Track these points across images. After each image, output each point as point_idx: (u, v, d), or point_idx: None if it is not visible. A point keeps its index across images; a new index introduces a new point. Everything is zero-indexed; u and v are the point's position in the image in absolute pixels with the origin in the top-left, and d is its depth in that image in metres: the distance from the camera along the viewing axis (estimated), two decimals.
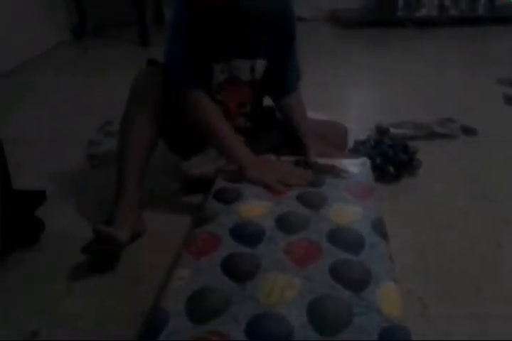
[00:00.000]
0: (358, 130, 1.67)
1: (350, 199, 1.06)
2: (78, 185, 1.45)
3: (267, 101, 1.43)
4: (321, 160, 1.23)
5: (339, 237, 0.92)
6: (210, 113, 1.20)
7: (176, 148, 1.41)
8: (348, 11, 3.83)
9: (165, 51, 1.23)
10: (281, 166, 1.19)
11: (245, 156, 1.18)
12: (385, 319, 0.74)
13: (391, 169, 1.39)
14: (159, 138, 1.25)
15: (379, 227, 0.96)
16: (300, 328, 0.73)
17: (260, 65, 1.31)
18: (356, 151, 1.49)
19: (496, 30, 3.51)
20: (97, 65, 2.90)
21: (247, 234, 0.94)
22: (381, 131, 1.70)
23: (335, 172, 1.18)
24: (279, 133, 1.43)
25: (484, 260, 1.07)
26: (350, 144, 1.52)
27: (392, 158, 1.42)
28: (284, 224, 0.97)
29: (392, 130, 1.69)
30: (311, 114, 1.46)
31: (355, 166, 1.21)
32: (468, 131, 1.71)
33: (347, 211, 1.02)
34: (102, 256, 1.08)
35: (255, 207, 1.04)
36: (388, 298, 0.78)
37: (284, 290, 0.80)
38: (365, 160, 1.26)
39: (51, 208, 1.22)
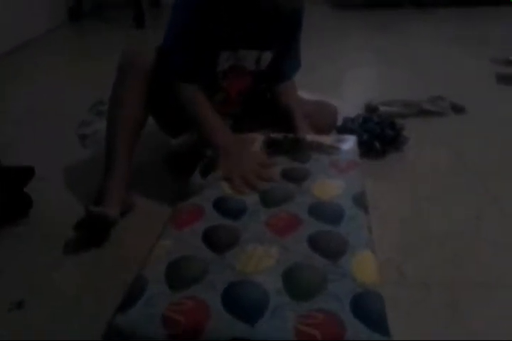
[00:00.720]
0: (350, 108, 1.68)
1: (334, 173, 1.07)
2: (68, 163, 1.47)
3: None
4: (310, 137, 1.25)
5: (319, 209, 0.94)
6: (199, 104, 1.20)
7: (165, 127, 1.42)
8: None
9: (166, 37, 1.22)
10: (252, 161, 1.13)
11: (223, 143, 1.16)
12: (359, 285, 0.75)
13: (377, 145, 1.41)
14: (148, 115, 1.26)
15: (360, 200, 0.97)
16: (275, 294, 0.74)
17: (266, 56, 1.32)
18: (345, 128, 1.50)
19: (494, 11, 3.49)
20: (92, 46, 2.90)
21: (230, 208, 0.96)
22: (371, 109, 1.71)
23: (323, 148, 1.19)
24: (270, 112, 1.45)
25: (462, 231, 1.08)
26: (340, 122, 1.53)
27: (378, 135, 1.43)
28: (267, 198, 0.98)
29: (381, 108, 1.70)
30: (303, 94, 1.48)
31: (342, 143, 1.23)
32: (457, 109, 1.72)
33: (330, 185, 1.03)
34: (92, 233, 1.09)
35: None
36: (363, 266, 0.80)
37: (261, 259, 0.82)
38: (351, 137, 1.27)
39: (41, 185, 1.24)
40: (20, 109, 1.92)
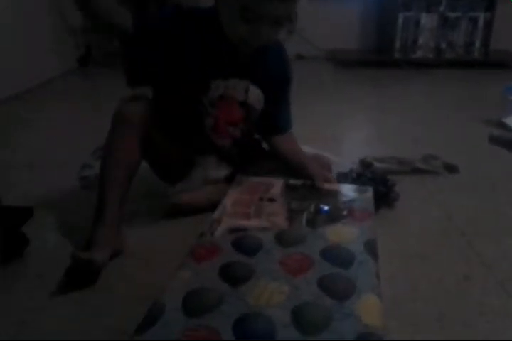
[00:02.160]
0: (344, 163, 1.72)
1: (349, 221, 1.14)
2: (67, 204, 1.50)
3: None
4: (327, 185, 1.34)
5: (331, 253, 1.00)
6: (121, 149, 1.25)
7: (162, 175, 1.46)
8: (347, 51, 3.97)
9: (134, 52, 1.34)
10: None
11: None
12: (363, 326, 0.79)
13: None
14: (141, 162, 1.30)
15: (371, 247, 1.03)
16: (282, 327, 0.79)
17: (254, 90, 1.38)
18: (338, 182, 1.54)
19: (489, 73, 3.62)
20: (99, 92, 2.99)
21: (246, 245, 1.03)
22: (365, 165, 1.75)
23: (339, 196, 1.28)
24: (271, 160, 1.50)
25: (450, 291, 1.09)
26: (334, 176, 1.56)
27: None
28: (282, 238, 1.06)
29: (375, 164, 1.74)
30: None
31: (358, 192, 1.32)
32: (449, 168, 1.76)
33: (343, 230, 1.10)
34: (80, 278, 1.10)
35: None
36: (368, 309, 0.84)
37: (272, 294, 0.87)
38: (368, 188, 1.35)
39: (38, 225, 1.27)
40: (25, 153, 1.97)
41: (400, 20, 3.71)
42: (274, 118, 1.47)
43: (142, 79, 1.33)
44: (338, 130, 2.30)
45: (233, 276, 0.92)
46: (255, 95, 1.39)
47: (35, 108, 2.61)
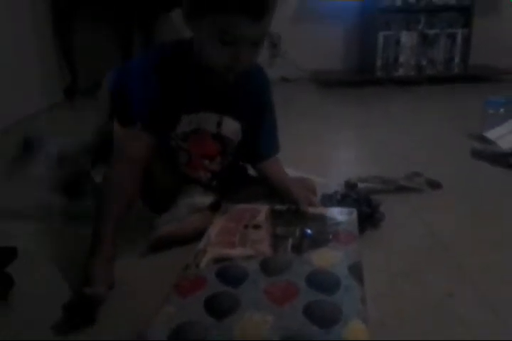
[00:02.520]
0: (329, 185, 1.74)
1: (334, 245, 1.16)
2: (53, 243, 1.49)
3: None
4: (311, 209, 1.36)
5: (317, 279, 1.01)
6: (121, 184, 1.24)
7: (151, 204, 1.47)
8: (330, 71, 4.03)
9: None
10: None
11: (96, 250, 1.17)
12: None
13: None
14: (137, 198, 1.32)
15: (355, 271, 1.05)
16: None
17: (229, 122, 1.39)
18: (323, 205, 1.55)
19: (470, 87, 3.68)
20: (85, 125, 3.00)
21: (231, 275, 1.04)
22: (350, 186, 1.77)
23: (324, 220, 1.30)
24: (256, 185, 1.52)
25: (435, 308, 1.10)
26: (318, 199, 1.58)
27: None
28: (267, 266, 1.07)
29: (359, 184, 1.76)
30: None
31: (343, 215, 1.34)
32: (433, 185, 1.78)
33: (328, 255, 1.12)
34: (84, 314, 1.07)
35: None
36: (355, 335, 0.85)
37: (258, 325, 0.88)
38: (352, 210, 1.37)
39: (23, 266, 1.26)
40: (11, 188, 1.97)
41: (381, 39, 3.78)
42: (256, 145, 1.49)
43: (133, 119, 1.33)
44: (322, 150, 2.32)
45: (218, 309, 0.93)
46: (229, 126, 1.40)
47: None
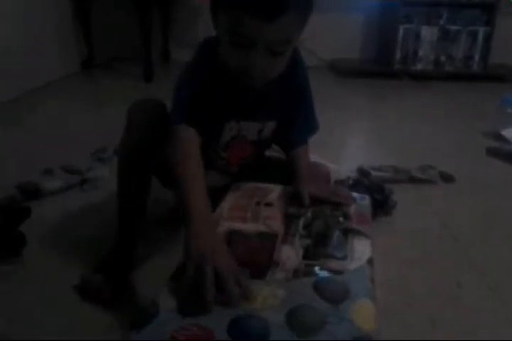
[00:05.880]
0: (343, 171, 1.73)
1: (347, 224, 1.14)
2: (66, 206, 1.50)
3: None
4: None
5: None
6: (186, 161, 1.10)
7: (163, 181, 1.45)
8: (349, 60, 4.00)
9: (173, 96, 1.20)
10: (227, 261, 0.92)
11: (194, 225, 0.98)
12: (357, 330, 0.80)
13: None
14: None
15: None
16: (277, 328, 0.80)
17: (269, 127, 1.36)
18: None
19: (488, 86, 3.65)
20: (101, 95, 3.01)
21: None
22: (363, 173, 1.77)
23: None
24: (270, 171, 1.49)
25: (443, 298, 1.11)
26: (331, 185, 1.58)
27: None
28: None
29: (373, 172, 1.75)
30: None
31: (355, 200, 1.29)
32: (445, 178, 1.78)
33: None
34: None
35: None
36: (362, 313, 0.84)
37: (267, 298, 0.87)
38: (364, 196, 1.33)
39: (36, 225, 1.27)
40: (24, 151, 1.98)
41: (401, 32, 3.74)
42: (289, 134, 1.43)
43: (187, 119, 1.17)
44: (336, 138, 2.31)
45: None
46: (269, 129, 1.35)
47: (36, 108, 2.63)
